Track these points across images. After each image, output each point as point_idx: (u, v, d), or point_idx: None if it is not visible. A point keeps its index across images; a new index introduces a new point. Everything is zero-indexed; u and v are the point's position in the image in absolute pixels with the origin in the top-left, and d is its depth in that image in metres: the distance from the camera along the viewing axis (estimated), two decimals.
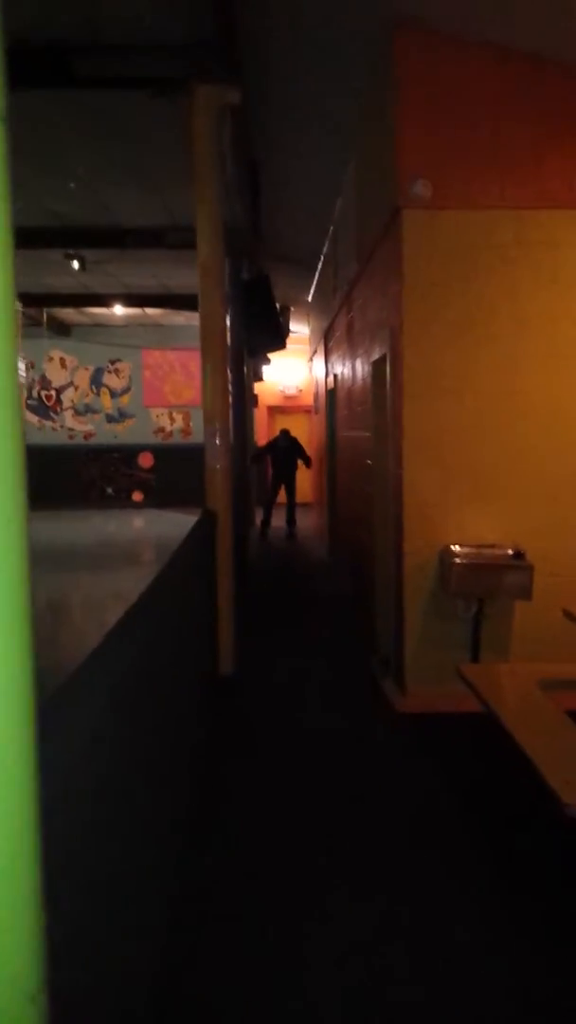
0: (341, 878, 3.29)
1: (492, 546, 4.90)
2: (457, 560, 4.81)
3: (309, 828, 3.72)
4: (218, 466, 5.86)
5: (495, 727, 3.58)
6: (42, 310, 15.27)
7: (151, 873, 2.55)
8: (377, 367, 6.02)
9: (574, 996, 2.61)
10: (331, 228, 9.35)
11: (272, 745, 4.68)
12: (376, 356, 5.99)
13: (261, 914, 3.05)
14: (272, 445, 13.78)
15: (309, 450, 14.11)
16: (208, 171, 5.68)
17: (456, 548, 4.90)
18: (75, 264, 10.63)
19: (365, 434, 6.64)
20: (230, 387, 10.38)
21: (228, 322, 10.05)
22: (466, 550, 4.88)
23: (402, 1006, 2.56)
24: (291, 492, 13.69)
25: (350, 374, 7.91)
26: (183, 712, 3.65)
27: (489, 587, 4.80)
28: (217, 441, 5.84)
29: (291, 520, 13.81)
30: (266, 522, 13.62)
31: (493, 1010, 2.55)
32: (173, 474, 16.12)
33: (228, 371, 6.16)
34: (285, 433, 13.58)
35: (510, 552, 4.82)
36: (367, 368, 6.50)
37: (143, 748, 2.48)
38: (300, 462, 13.62)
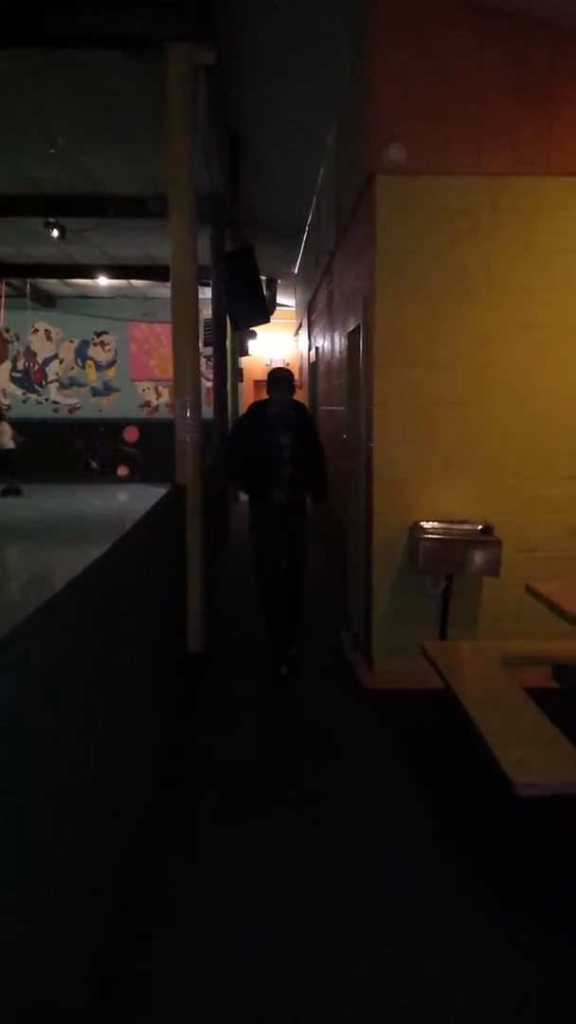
0: (295, 846, 3.24)
1: (462, 522, 4.81)
2: (426, 536, 4.73)
3: (269, 799, 3.66)
4: (188, 439, 5.75)
5: (456, 704, 3.51)
6: (25, 281, 15.07)
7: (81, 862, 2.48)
8: (352, 338, 5.91)
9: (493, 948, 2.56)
10: (314, 197, 9.19)
11: (236, 720, 4.61)
12: (351, 327, 5.88)
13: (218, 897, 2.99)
14: (249, 423, 5.43)
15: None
16: (181, 133, 5.52)
17: (425, 524, 4.81)
18: (54, 233, 10.44)
19: (341, 408, 6.53)
20: (207, 360, 10.23)
21: (209, 292, 9.94)
22: (435, 525, 4.79)
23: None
24: (297, 563, 5.40)
25: (329, 347, 7.79)
26: (141, 685, 3.57)
27: (457, 563, 4.72)
28: (187, 414, 5.73)
29: (290, 625, 5.51)
30: (279, 641, 5.38)
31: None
32: (158, 448, 16.01)
33: (200, 343, 6.02)
34: (280, 384, 5.24)
35: (479, 528, 4.74)
36: (344, 340, 6.39)
37: (77, 725, 2.40)
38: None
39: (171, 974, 2.56)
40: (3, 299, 15.17)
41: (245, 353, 16.09)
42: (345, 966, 2.60)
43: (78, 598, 2.54)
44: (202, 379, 6.13)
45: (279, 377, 5.30)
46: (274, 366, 5.54)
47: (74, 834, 2.36)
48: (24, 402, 17.31)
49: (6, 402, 17.26)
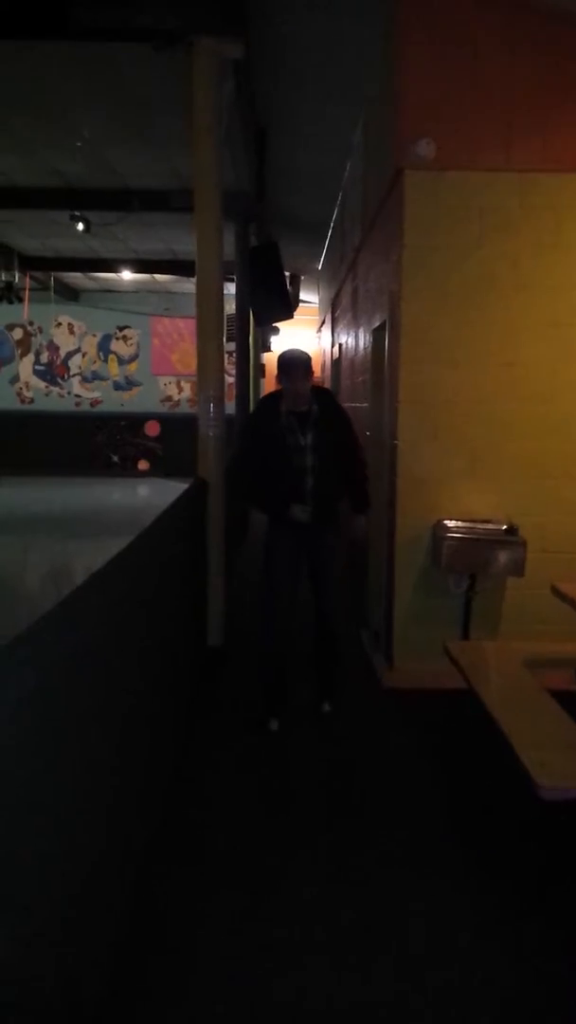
0: (308, 844, 3.22)
1: (486, 521, 4.78)
2: (449, 535, 4.69)
3: (282, 796, 3.65)
4: (211, 434, 5.73)
5: (478, 705, 3.48)
6: (49, 274, 15.10)
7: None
8: (377, 335, 5.87)
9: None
10: (340, 194, 9.14)
11: (254, 716, 4.60)
12: (376, 324, 5.84)
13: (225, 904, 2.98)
14: (260, 423, 4.39)
15: None
16: (208, 128, 5.49)
17: (449, 522, 4.78)
18: (80, 226, 10.45)
19: (365, 405, 6.50)
20: (230, 355, 10.22)
21: (234, 288, 9.93)
22: (459, 524, 4.76)
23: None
24: (327, 585, 4.43)
25: (353, 344, 7.76)
26: (162, 679, 3.57)
27: (481, 563, 4.68)
28: (211, 409, 5.72)
29: (327, 677, 4.70)
30: (272, 698, 4.51)
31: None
32: (179, 443, 15.99)
33: (224, 337, 6.01)
34: (294, 369, 4.17)
35: (503, 528, 4.70)
36: (368, 337, 6.35)
37: (99, 718, 2.40)
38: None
39: (176, 977, 2.55)
40: (27, 292, 15.21)
41: (267, 349, 16.07)
42: (360, 966, 2.59)
43: (100, 591, 2.54)
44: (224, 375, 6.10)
45: (292, 360, 4.17)
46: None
47: (95, 829, 2.36)
48: (47, 395, 17.36)
49: (28, 395, 17.34)
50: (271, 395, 4.37)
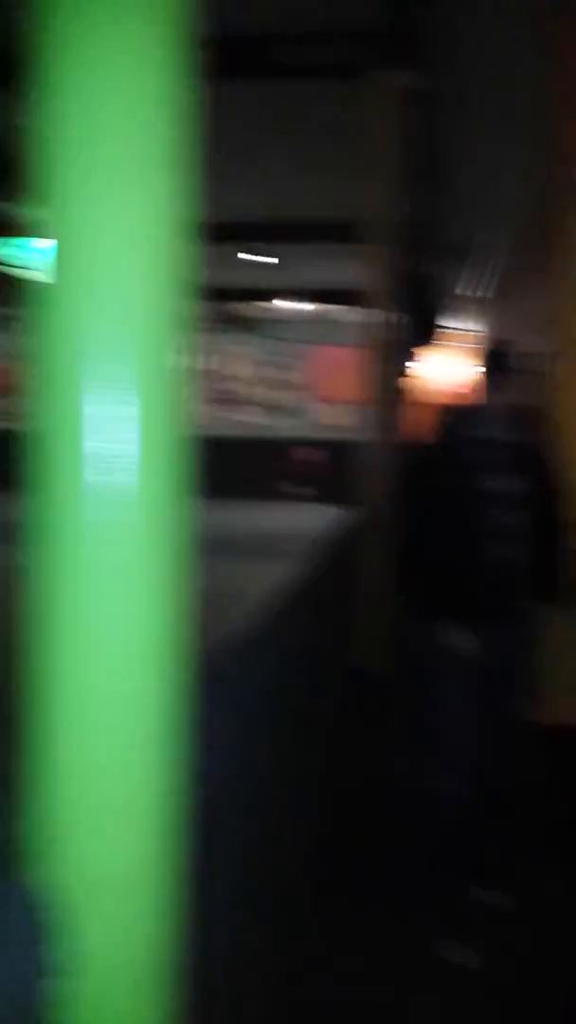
0: None
1: None
2: None
3: None
4: (379, 460, 5.73)
5: None
6: (219, 304, 15.58)
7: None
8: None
9: None
10: (500, 217, 9.00)
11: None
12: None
13: None
14: (443, 463, 2.64)
15: None
16: (383, 160, 5.57)
17: None
18: (253, 257, 10.65)
19: None
20: (397, 382, 10.24)
21: (394, 317, 9.93)
22: None
23: None
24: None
25: None
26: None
27: None
28: (379, 435, 5.75)
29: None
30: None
31: None
32: (338, 470, 16.06)
33: (395, 366, 6.07)
34: (497, 369, 2.66)
35: None
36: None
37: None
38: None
39: None
40: (208, 324, 15.46)
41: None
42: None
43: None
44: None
45: (499, 353, 2.73)
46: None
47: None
48: (214, 422, 17.86)
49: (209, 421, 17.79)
50: (455, 417, 2.74)
